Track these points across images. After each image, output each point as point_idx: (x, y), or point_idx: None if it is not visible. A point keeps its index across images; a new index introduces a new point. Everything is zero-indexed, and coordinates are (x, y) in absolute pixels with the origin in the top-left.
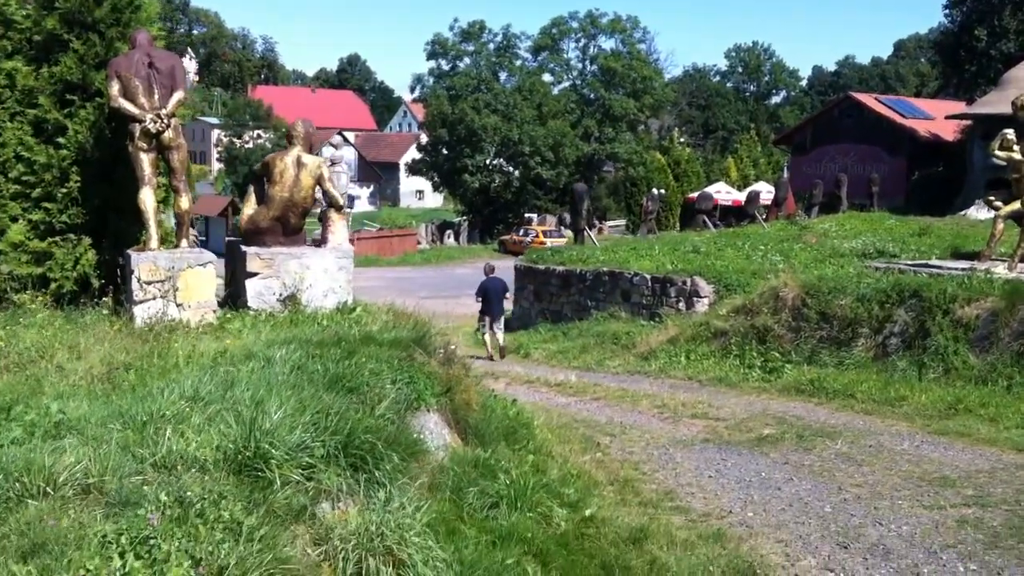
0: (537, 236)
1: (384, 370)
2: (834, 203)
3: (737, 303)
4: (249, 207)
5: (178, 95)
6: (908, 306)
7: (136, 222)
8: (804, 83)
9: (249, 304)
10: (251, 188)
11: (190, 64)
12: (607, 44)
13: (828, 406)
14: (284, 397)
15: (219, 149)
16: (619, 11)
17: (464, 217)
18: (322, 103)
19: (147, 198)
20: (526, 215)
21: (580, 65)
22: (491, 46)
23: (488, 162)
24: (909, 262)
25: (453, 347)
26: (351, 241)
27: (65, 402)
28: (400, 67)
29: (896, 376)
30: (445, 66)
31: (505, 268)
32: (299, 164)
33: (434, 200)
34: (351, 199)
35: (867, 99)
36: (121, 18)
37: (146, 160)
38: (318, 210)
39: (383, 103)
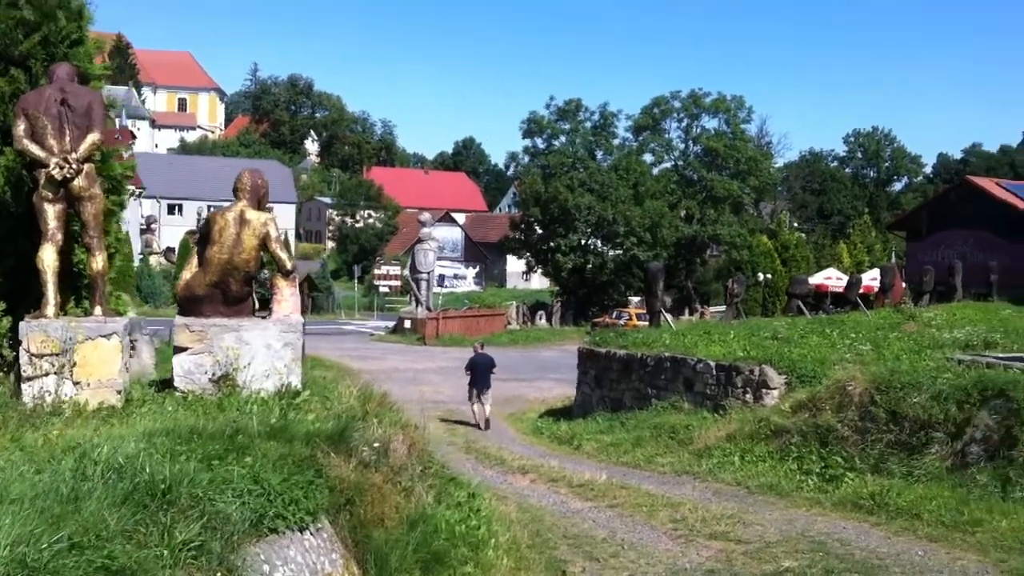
0: (630, 319)
1: (234, 478)
2: (950, 292)
3: (801, 397)
4: (188, 271)
5: (92, 137)
6: (992, 407)
7: (71, 287)
8: (928, 170)
9: (176, 384)
10: (194, 249)
11: (311, 146)
12: (711, 124)
13: (886, 528)
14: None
15: (331, 228)
16: (725, 91)
17: (557, 298)
18: (434, 184)
19: (46, 256)
20: (630, 297)
21: (682, 145)
22: (588, 124)
23: (582, 242)
24: (1000, 355)
25: (378, 445)
26: (435, 320)
27: None
28: (513, 149)
29: (975, 493)
30: (541, 144)
31: None
32: (242, 221)
33: (541, 282)
34: (442, 278)
35: (986, 183)
36: (55, 53)
37: (51, 212)
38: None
39: (495, 185)
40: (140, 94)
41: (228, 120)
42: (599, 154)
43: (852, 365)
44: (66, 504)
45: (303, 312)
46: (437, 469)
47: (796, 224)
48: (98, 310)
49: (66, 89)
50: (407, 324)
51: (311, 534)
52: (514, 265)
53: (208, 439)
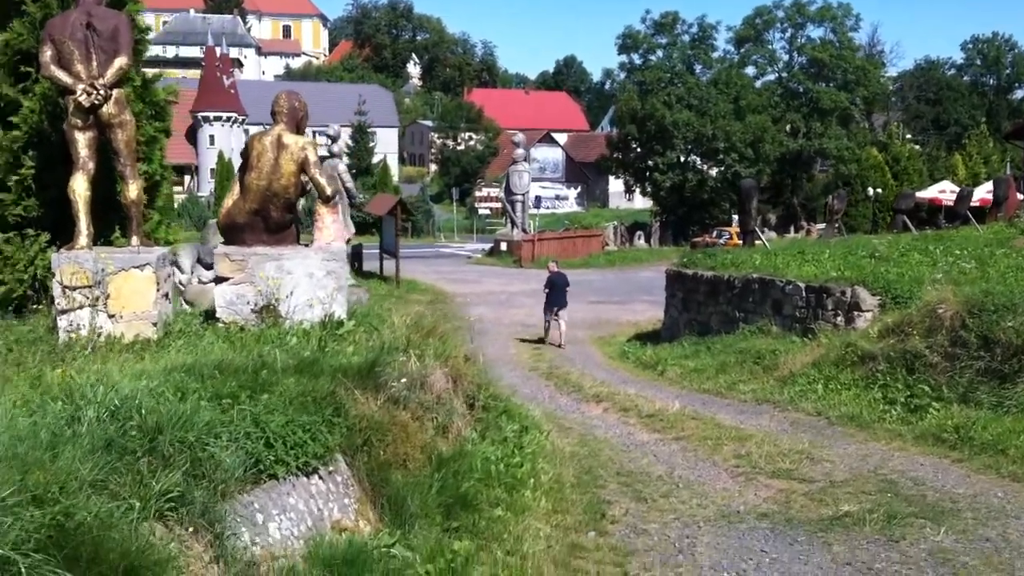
0: (731, 238)
1: (234, 419)
2: None
3: (889, 321)
4: (230, 198)
5: (119, 61)
6: None
7: (115, 215)
8: None
9: (218, 315)
10: (236, 176)
11: (413, 69)
12: (817, 33)
13: (967, 465)
14: None
15: (433, 151)
16: None
17: (656, 218)
18: (535, 104)
19: (78, 186)
20: (734, 215)
21: (786, 56)
22: (685, 38)
23: (680, 159)
24: None
25: (404, 380)
26: (530, 242)
27: None
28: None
29: None
30: (637, 60)
31: None
32: (279, 146)
33: (643, 201)
34: (538, 200)
35: None
36: None
37: (81, 140)
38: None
39: (597, 104)
40: (245, 22)
41: (332, 46)
42: (698, 68)
43: (944, 286)
44: (44, 452)
45: (397, 236)
46: (488, 402)
47: (909, 136)
48: (134, 240)
49: (92, 12)
50: (503, 246)
51: (320, 479)
52: (616, 185)
53: (231, 375)
